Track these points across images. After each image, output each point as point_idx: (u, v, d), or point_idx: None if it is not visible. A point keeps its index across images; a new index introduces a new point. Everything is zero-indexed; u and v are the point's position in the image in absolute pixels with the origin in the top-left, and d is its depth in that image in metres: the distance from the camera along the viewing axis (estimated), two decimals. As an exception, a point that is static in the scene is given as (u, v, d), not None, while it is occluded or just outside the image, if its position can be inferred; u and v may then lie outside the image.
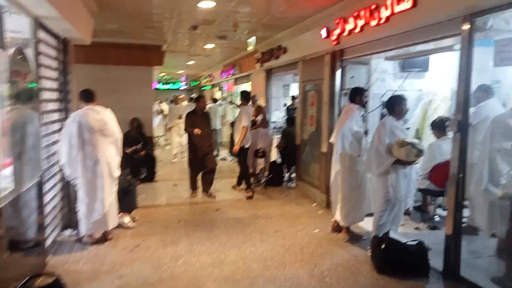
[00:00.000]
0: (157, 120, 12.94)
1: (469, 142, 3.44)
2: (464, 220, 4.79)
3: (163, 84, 24.16)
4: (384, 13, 4.03)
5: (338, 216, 4.60)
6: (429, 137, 5.80)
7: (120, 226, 4.84)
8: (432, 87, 6.09)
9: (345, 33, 4.91)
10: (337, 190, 4.58)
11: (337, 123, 4.71)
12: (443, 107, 6.00)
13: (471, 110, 4.51)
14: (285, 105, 9.86)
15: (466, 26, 3.31)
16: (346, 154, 4.45)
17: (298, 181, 7.12)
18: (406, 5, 3.71)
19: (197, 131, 6.16)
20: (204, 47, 9.38)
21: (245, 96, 6.80)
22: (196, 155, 6.39)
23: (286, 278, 3.58)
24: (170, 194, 6.78)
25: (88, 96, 4.42)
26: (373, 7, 4.24)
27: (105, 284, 3.49)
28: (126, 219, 5.03)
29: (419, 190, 5.22)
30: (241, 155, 6.65)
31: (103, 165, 4.32)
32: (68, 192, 4.81)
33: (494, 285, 3.33)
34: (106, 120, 4.40)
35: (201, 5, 5.36)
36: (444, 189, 4.91)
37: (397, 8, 3.83)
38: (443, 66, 6.03)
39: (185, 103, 10.36)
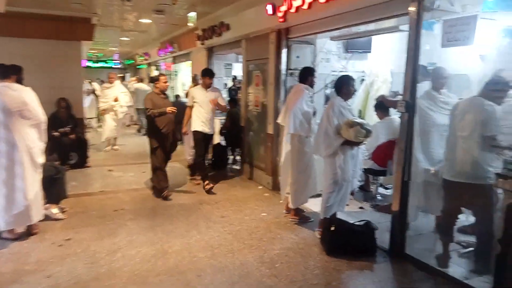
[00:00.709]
0: (88, 101, 11.97)
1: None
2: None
3: (94, 62, 22.45)
4: (333, -11, 3.91)
5: (288, 197, 4.52)
6: (371, 118, 5.92)
7: (47, 218, 4.33)
8: (374, 68, 6.19)
9: (292, 10, 4.73)
10: (287, 171, 4.47)
11: (286, 103, 4.56)
12: (384, 88, 6.13)
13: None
14: (226, 85, 9.57)
15: (414, 6, 3.28)
16: (295, 135, 4.35)
17: (243, 164, 6.95)
18: (355, -19, 3.61)
19: (170, 109, 5.15)
20: (140, 21, 8.70)
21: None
22: (162, 143, 5.36)
23: (236, 266, 3.41)
24: (104, 181, 6.26)
25: (3, 72, 3.82)
26: (321, -18, 4.10)
27: (30, 286, 3.06)
28: (54, 210, 4.51)
29: (363, 169, 5.33)
30: (196, 140, 5.83)
31: (23, 151, 3.77)
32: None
33: (436, 262, 3.45)
34: (26, 100, 3.83)
35: None
36: (385, 168, 5.07)
37: (347, -16, 3.72)
38: (384, 47, 6.15)
39: (118, 82, 9.02)
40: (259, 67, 6.31)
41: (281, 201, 4.75)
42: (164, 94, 5.54)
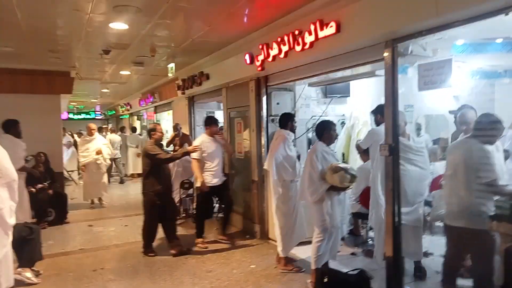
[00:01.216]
0: (69, 153, 11.75)
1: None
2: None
3: (75, 114, 22.36)
4: (308, 38, 4.01)
5: (278, 247, 4.37)
6: (355, 161, 5.93)
7: (19, 283, 4.01)
8: (354, 111, 6.29)
9: (270, 59, 4.83)
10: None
11: (269, 150, 4.54)
12: (364, 131, 6.20)
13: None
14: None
15: (388, 52, 3.37)
16: (280, 180, 4.29)
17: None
18: (330, 30, 3.71)
19: (193, 147, 5.24)
20: (120, 73, 8.76)
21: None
22: (160, 199, 4.98)
23: (224, 328, 3.17)
24: (84, 238, 5.95)
25: None
26: (296, 32, 4.21)
27: None
28: (28, 274, 4.20)
29: (351, 214, 5.25)
30: (205, 196, 5.47)
31: (-9, 213, 3.54)
32: None
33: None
34: (-3, 157, 3.67)
35: (113, 26, 4.86)
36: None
37: (321, 34, 3.83)
38: (363, 91, 6.30)
39: (97, 134, 8.45)
40: (241, 114, 6.34)
41: (271, 250, 4.57)
42: (160, 144, 5.40)
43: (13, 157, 5.66)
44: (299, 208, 4.43)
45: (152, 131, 5.24)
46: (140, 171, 12.52)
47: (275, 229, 4.53)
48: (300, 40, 4.15)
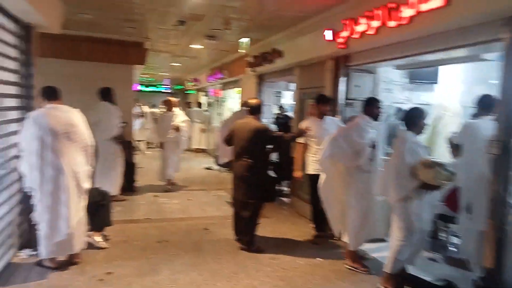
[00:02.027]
0: (138, 123, 12.20)
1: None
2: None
3: (145, 86, 23.23)
4: (407, 12, 3.51)
5: (345, 238, 4.04)
6: (441, 157, 5.35)
7: (90, 246, 4.14)
8: (441, 101, 5.64)
9: (355, 35, 4.38)
10: (334, 203, 4.07)
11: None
12: (453, 123, 5.55)
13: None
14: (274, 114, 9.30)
15: (509, 31, 2.82)
16: (352, 168, 3.91)
17: (293, 197, 6.52)
18: (435, 3, 3.19)
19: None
20: (191, 46, 8.73)
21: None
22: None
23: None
24: (150, 207, 6.06)
25: (51, 93, 3.74)
26: (391, 5, 3.71)
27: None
28: (97, 238, 4.32)
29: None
30: (312, 186, 4.69)
31: (68, 176, 3.61)
32: (29, 206, 4.06)
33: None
34: (74, 122, 3.72)
35: None
36: (458, 214, 4.45)
37: (424, 7, 3.31)
38: (453, 78, 5.61)
39: (176, 109, 7.57)
40: (314, 96, 5.96)
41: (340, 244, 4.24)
42: None
43: (108, 124, 6.00)
44: (373, 202, 4.02)
45: (258, 107, 4.60)
46: (204, 146, 12.84)
47: (329, 215, 4.21)
48: (396, 14, 3.66)
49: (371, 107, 4.07)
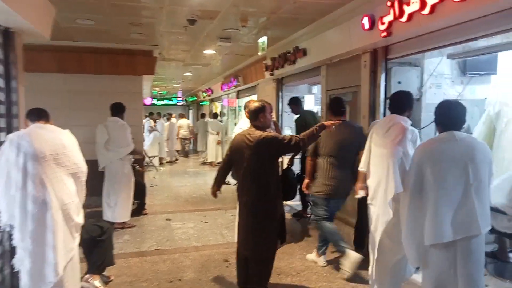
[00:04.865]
0: (150, 138, 11.57)
1: None
2: None
3: (158, 99, 22.86)
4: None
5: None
6: (501, 162, 4.43)
7: (87, 292, 3.36)
8: (501, 95, 4.71)
9: (403, 18, 3.52)
10: (391, 253, 3.12)
11: (375, 143, 3.26)
12: (515, 121, 4.62)
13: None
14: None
15: None
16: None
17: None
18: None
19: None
20: (204, 52, 8.02)
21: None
22: None
23: None
24: (161, 235, 5.26)
25: (38, 114, 3.04)
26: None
27: None
28: (96, 283, 3.54)
29: (499, 233, 3.83)
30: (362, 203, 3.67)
31: (56, 210, 2.83)
32: (10, 247, 3.32)
33: None
34: (63, 142, 2.97)
35: None
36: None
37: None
38: (514, 67, 4.70)
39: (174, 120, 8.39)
40: (346, 97, 5.11)
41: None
42: None
43: (123, 141, 5.39)
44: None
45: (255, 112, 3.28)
46: (220, 159, 12.11)
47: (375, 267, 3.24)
48: (463, -17, 2.82)
49: (407, 104, 3.25)
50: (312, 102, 8.55)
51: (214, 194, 3.56)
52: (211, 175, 10.38)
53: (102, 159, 5.36)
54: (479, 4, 2.79)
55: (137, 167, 5.96)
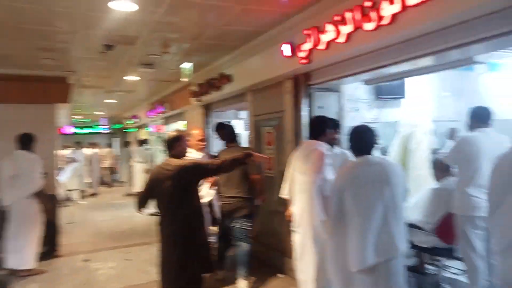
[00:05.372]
0: (70, 170, 10.68)
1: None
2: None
3: (80, 128, 21.43)
4: (388, 9, 2.84)
5: None
6: (417, 179, 4.74)
7: None
8: (410, 117, 5.09)
9: (321, 46, 3.65)
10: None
11: (298, 170, 3.29)
12: (426, 141, 5.00)
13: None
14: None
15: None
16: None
17: (254, 242, 5.52)
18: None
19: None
20: (125, 78, 7.66)
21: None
22: None
23: None
24: (77, 278, 4.71)
25: None
26: (367, 4, 3.04)
27: None
28: None
29: (417, 248, 4.02)
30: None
31: None
32: None
33: None
34: None
35: (113, 5, 3.62)
36: (452, 246, 3.78)
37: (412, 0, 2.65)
38: (420, 91, 5.13)
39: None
40: (271, 123, 5.16)
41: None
42: None
43: (30, 177, 4.79)
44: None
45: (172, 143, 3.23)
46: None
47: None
48: (372, 14, 2.98)
49: (323, 129, 3.39)
50: (241, 127, 8.55)
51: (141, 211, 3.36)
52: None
53: (7, 196, 4.75)
54: (388, 33, 2.97)
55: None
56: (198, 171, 3.07)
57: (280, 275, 4.63)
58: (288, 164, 3.44)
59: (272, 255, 5.04)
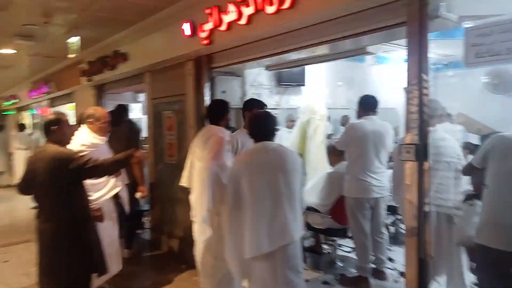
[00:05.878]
0: None
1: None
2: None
3: None
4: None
5: None
6: (314, 163, 4.96)
7: None
8: (309, 104, 5.30)
9: (222, 27, 3.51)
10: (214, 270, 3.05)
11: (197, 157, 3.17)
12: (322, 127, 5.25)
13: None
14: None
15: (413, 12, 2.37)
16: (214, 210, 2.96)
17: (156, 233, 5.26)
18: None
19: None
20: (0, 52, 6.58)
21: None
22: None
23: None
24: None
25: None
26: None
27: None
28: None
29: (314, 229, 4.25)
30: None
31: None
32: None
33: None
34: None
35: None
36: (346, 226, 4.06)
37: (312, -14, 2.67)
38: (318, 79, 5.37)
39: None
40: (172, 107, 4.90)
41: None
42: None
43: None
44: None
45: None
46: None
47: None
48: (275, -3, 2.94)
49: (223, 113, 3.30)
50: (139, 111, 8.04)
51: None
52: (18, 199, 8.67)
53: None
54: (287, 18, 2.96)
55: None
56: (73, 170, 2.56)
57: (183, 266, 4.47)
58: (189, 151, 3.27)
59: (176, 245, 4.85)
